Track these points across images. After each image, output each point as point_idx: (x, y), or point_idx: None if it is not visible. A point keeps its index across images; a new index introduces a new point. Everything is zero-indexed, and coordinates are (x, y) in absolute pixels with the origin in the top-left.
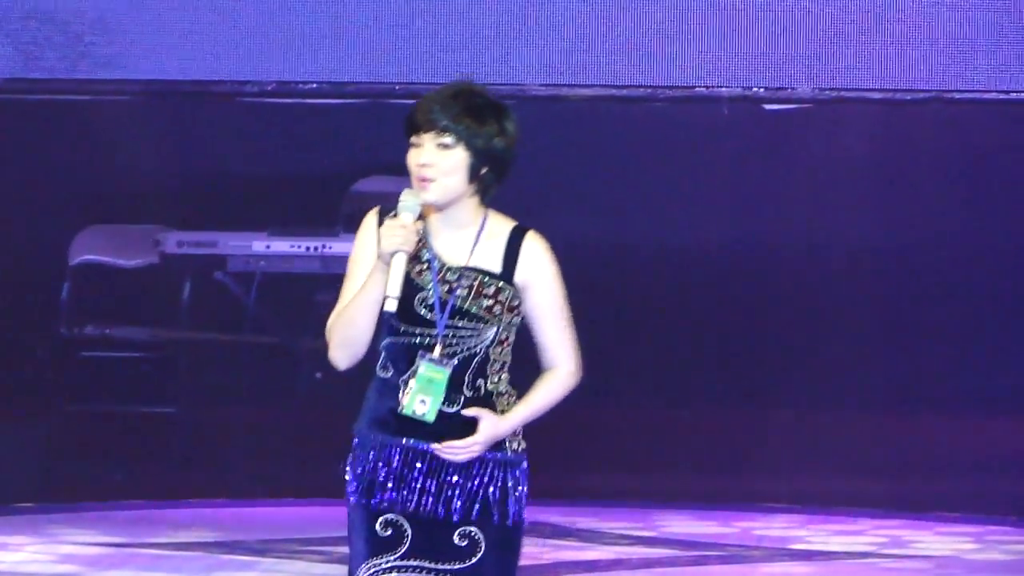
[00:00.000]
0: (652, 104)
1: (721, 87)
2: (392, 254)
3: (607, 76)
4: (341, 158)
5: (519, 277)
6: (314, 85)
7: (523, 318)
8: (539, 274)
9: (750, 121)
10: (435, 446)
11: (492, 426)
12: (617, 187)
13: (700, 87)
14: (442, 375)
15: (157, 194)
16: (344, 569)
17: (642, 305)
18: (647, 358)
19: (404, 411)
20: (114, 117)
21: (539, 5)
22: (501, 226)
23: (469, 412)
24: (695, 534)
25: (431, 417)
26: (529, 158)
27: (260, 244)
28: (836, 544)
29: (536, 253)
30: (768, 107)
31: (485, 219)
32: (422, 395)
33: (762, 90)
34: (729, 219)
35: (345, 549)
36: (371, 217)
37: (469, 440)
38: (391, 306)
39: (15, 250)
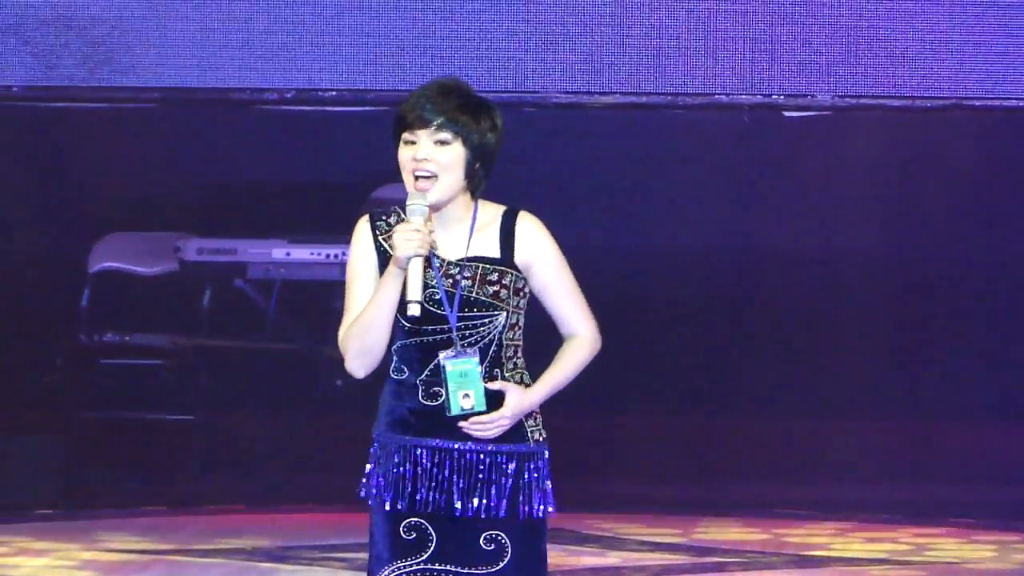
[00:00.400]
0: (673, 112)
1: (741, 94)
2: (409, 259)
3: (628, 84)
4: (361, 165)
5: (519, 258)
6: (334, 93)
7: (532, 296)
8: (539, 250)
9: (771, 129)
10: (463, 423)
11: (519, 399)
12: (638, 194)
13: (720, 95)
14: (472, 364)
15: (177, 201)
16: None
17: (663, 312)
18: (671, 364)
19: (452, 413)
20: (134, 124)
21: (560, 13)
22: (492, 212)
23: (494, 386)
24: (715, 540)
25: (481, 406)
26: (550, 165)
27: (280, 251)
28: (856, 551)
29: (531, 231)
30: (788, 115)
31: (476, 210)
32: (462, 390)
33: (782, 98)
34: (750, 226)
35: (366, 556)
36: (363, 224)
37: (495, 414)
38: (415, 310)
39: (35, 257)
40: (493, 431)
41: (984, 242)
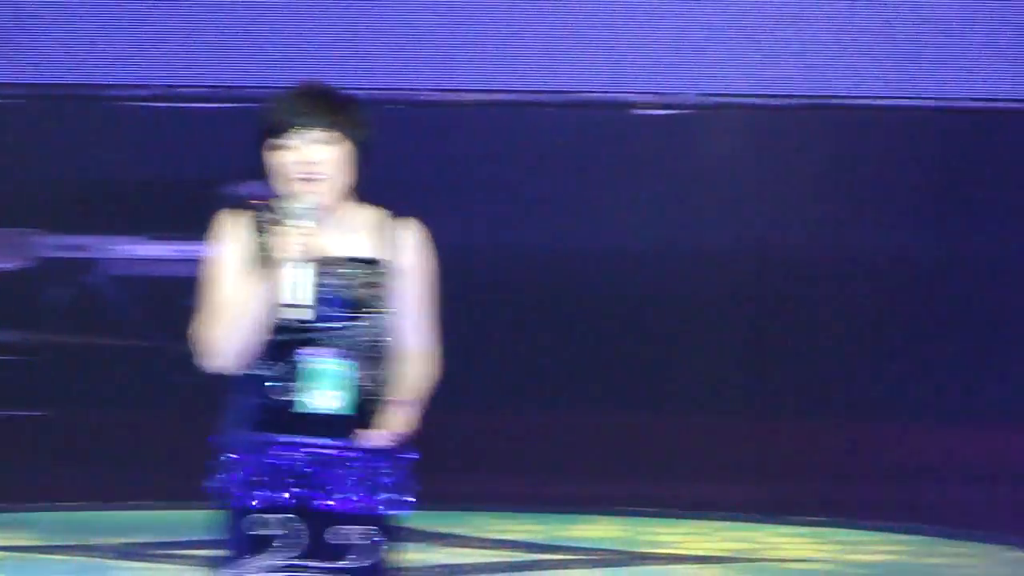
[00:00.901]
0: (539, 109)
1: (605, 92)
2: (294, 259)
3: (496, 82)
4: (217, 163)
5: (399, 262)
6: (193, 90)
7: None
8: (417, 260)
9: (632, 126)
10: (357, 436)
11: (399, 411)
12: (503, 192)
13: (584, 92)
14: (338, 367)
15: (33, 197)
16: (212, 573)
17: (524, 308)
18: (537, 362)
19: (307, 408)
20: None
21: (425, 12)
22: (374, 215)
23: (376, 400)
24: (569, 538)
25: (336, 410)
26: (417, 163)
27: (135, 248)
28: (707, 549)
29: (414, 239)
30: (651, 112)
31: (356, 211)
32: (322, 389)
33: (646, 95)
34: (610, 223)
35: (214, 552)
36: (237, 219)
37: (382, 430)
38: (298, 311)
39: None
40: (381, 443)
41: (844, 237)
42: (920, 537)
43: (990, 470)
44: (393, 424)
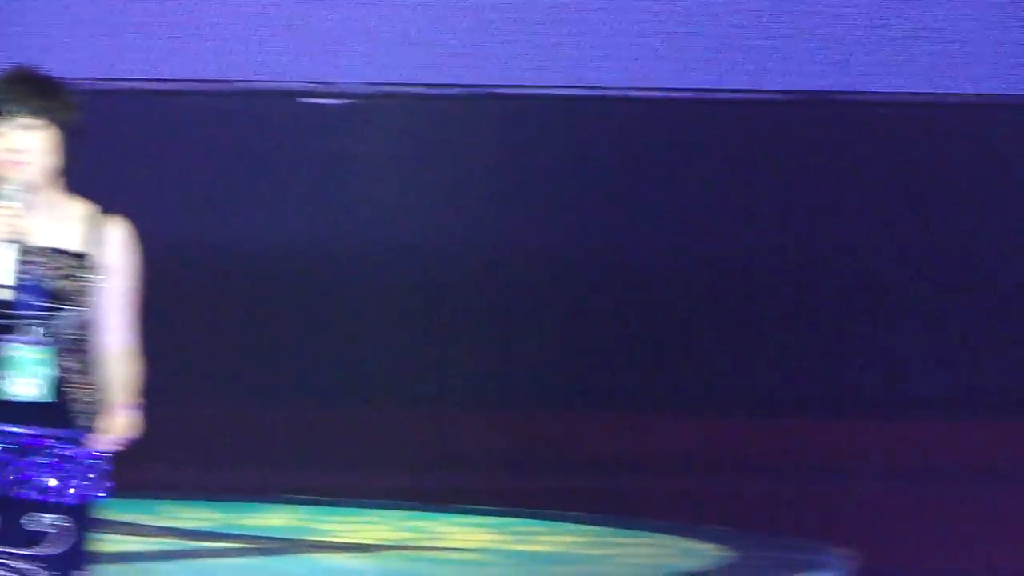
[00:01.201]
0: (191, 97)
1: (269, 80)
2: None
3: (159, 70)
4: None
5: (104, 259)
6: None
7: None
8: (119, 257)
9: (290, 115)
10: (95, 436)
11: (122, 414)
12: (160, 182)
13: (248, 80)
14: (34, 354)
15: None
16: None
17: (197, 301)
18: (206, 354)
19: (4, 395)
20: None
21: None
22: (81, 208)
23: (77, 391)
24: (247, 527)
25: (33, 397)
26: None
27: None
28: (373, 538)
29: (118, 237)
30: (314, 101)
31: (65, 201)
32: (14, 376)
33: (310, 84)
34: (266, 214)
35: None
36: None
37: (106, 434)
38: (5, 294)
39: None
40: (108, 446)
41: (506, 227)
42: (598, 527)
43: (677, 461)
44: (119, 429)
